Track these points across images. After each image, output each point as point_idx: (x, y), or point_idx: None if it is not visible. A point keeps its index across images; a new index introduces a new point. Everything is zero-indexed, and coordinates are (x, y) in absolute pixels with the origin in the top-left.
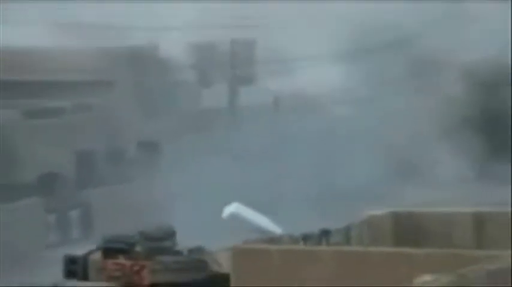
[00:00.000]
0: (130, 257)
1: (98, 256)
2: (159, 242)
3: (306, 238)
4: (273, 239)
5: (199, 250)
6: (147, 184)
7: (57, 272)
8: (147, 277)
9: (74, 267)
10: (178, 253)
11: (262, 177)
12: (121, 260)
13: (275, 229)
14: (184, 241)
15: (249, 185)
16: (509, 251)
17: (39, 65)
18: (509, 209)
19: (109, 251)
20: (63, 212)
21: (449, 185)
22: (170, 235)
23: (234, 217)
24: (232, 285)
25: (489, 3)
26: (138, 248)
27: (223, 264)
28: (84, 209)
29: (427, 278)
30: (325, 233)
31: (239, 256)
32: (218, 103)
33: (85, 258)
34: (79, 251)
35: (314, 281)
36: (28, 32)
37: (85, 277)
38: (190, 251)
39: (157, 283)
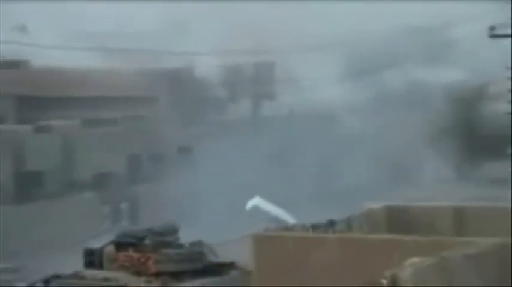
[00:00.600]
0: (139, 250)
1: (111, 248)
2: (164, 237)
3: (314, 227)
4: (287, 228)
5: (199, 243)
6: (184, 181)
7: None
8: (152, 267)
9: (92, 258)
10: (180, 246)
11: (279, 176)
12: (130, 252)
13: (289, 219)
14: (213, 230)
15: (268, 182)
16: (484, 239)
17: (95, 84)
18: (485, 204)
19: (121, 245)
20: (115, 204)
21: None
22: (173, 231)
23: (255, 208)
24: (253, 268)
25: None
26: (146, 242)
27: (246, 249)
28: (132, 202)
29: (415, 260)
30: (331, 223)
31: (259, 242)
32: (243, 114)
33: (101, 250)
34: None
35: (322, 263)
36: (87, 56)
37: (100, 267)
38: (192, 244)
39: (161, 272)
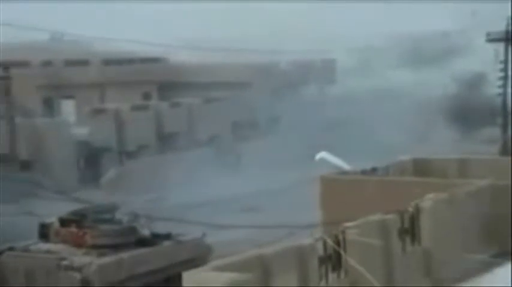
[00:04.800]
0: (79, 225)
1: (56, 224)
2: (102, 214)
3: (363, 172)
4: (344, 172)
5: (135, 218)
6: (272, 140)
7: None
8: (88, 241)
9: (44, 231)
10: (118, 222)
11: (338, 136)
12: (72, 228)
13: (346, 166)
14: (294, 174)
15: (330, 141)
16: (480, 180)
17: (211, 73)
18: (480, 156)
19: (65, 221)
20: (224, 157)
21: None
22: (111, 209)
23: (322, 159)
24: (320, 203)
25: None
26: (86, 219)
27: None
28: (237, 155)
29: (431, 195)
30: (374, 169)
31: (325, 182)
32: (312, 94)
33: (49, 225)
34: None
35: (368, 196)
36: (206, 54)
37: (47, 240)
38: (129, 220)
39: (96, 245)
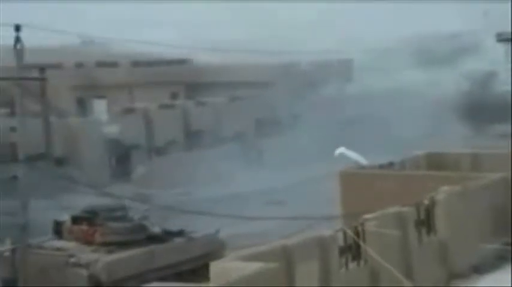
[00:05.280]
0: (91, 223)
1: (69, 222)
2: (112, 212)
3: (380, 166)
4: (362, 167)
5: (145, 217)
6: (293, 136)
7: None
8: (98, 238)
9: (57, 228)
10: (129, 219)
11: (356, 132)
12: (83, 226)
13: (364, 161)
14: (313, 169)
15: (349, 137)
16: (491, 174)
17: (235, 74)
18: (492, 151)
19: (77, 219)
20: (248, 153)
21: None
22: (121, 208)
23: (341, 155)
24: (340, 196)
25: None
26: (99, 217)
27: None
28: (260, 152)
29: (445, 188)
30: (391, 164)
31: (344, 177)
32: (330, 92)
33: (62, 223)
34: None
35: (385, 190)
36: (229, 56)
37: (61, 237)
38: (140, 218)
39: (106, 242)
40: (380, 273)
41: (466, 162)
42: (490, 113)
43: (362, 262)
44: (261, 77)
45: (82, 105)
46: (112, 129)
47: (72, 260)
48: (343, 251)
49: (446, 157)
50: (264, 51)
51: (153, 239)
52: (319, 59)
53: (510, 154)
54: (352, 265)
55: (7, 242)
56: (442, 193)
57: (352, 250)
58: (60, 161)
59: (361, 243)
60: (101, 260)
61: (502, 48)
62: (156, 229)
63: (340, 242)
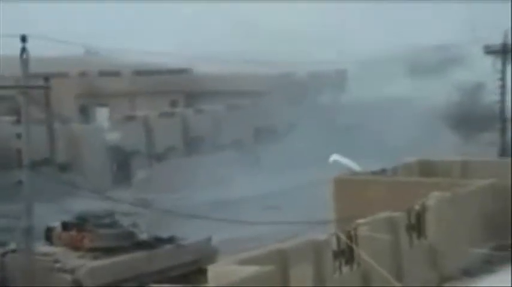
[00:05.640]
0: (80, 229)
1: (59, 228)
2: (101, 219)
3: (373, 173)
4: (355, 173)
5: (134, 224)
6: (289, 144)
7: None
8: (87, 244)
9: (48, 234)
10: (118, 226)
11: (350, 140)
12: (72, 232)
13: (357, 167)
14: (307, 174)
15: (342, 145)
16: (480, 180)
17: (233, 83)
18: (480, 158)
19: (66, 225)
20: (245, 160)
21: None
22: (109, 214)
23: (335, 161)
24: (333, 202)
25: None
26: (88, 224)
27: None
28: (256, 157)
29: (436, 194)
30: (383, 171)
31: (338, 183)
32: (325, 101)
33: (52, 229)
34: None
35: (378, 195)
36: (226, 65)
37: (51, 243)
38: (130, 225)
39: (94, 248)
40: (372, 276)
41: (456, 169)
42: (479, 122)
43: (355, 266)
44: (258, 87)
45: (85, 113)
46: (113, 136)
47: (58, 265)
48: (336, 255)
49: (436, 164)
50: (261, 62)
51: (141, 245)
52: (314, 70)
53: (498, 162)
54: (345, 269)
55: (11, 245)
56: (433, 198)
57: (346, 254)
58: (63, 167)
59: (354, 247)
60: (85, 265)
61: (488, 61)
62: (144, 236)
63: (334, 246)
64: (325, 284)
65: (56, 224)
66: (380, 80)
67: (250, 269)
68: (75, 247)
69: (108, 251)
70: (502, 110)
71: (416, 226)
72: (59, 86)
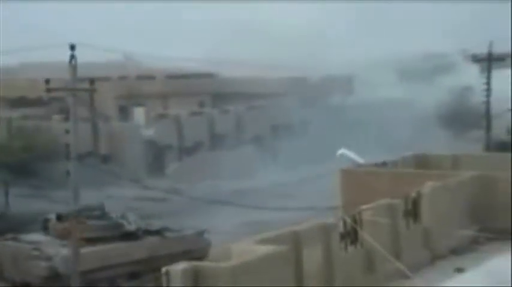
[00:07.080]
0: (72, 220)
1: (54, 219)
2: (92, 211)
3: (375, 165)
4: (360, 165)
5: (123, 216)
6: (303, 140)
7: None
8: (78, 234)
9: (45, 224)
10: (108, 218)
11: (356, 136)
12: (65, 223)
13: (361, 160)
14: (317, 167)
15: (349, 140)
16: (469, 172)
17: (255, 85)
18: (469, 152)
19: (60, 217)
20: (264, 154)
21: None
22: (100, 207)
23: (342, 155)
24: (340, 190)
25: None
26: (80, 215)
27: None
28: (275, 153)
29: (430, 184)
30: (384, 163)
31: (344, 174)
32: (334, 103)
33: (48, 220)
34: None
35: (380, 186)
36: (249, 70)
37: (48, 233)
38: (119, 216)
39: (85, 238)
40: (374, 254)
41: (447, 162)
42: (467, 121)
43: (359, 246)
44: (276, 89)
45: (124, 112)
46: (149, 132)
47: (35, 253)
48: (343, 236)
49: (430, 157)
50: (279, 67)
51: (127, 236)
52: (325, 74)
53: (484, 156)
54: (350, 248)
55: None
56: (427, 187)
57: (351, 235)
58: (105, 159)
59: (359, 229)
60: (60, 253)
61: (476, 68)
62: (131, 227)
63: (341, 228)
64: (333, 261)
65: (52, 215)
66: (379, 85)
67: (268, 249)
68: (66, 237)
69: (96, 241)
70: (488, 110)
71: (413, 211)
72: (102, 89)
